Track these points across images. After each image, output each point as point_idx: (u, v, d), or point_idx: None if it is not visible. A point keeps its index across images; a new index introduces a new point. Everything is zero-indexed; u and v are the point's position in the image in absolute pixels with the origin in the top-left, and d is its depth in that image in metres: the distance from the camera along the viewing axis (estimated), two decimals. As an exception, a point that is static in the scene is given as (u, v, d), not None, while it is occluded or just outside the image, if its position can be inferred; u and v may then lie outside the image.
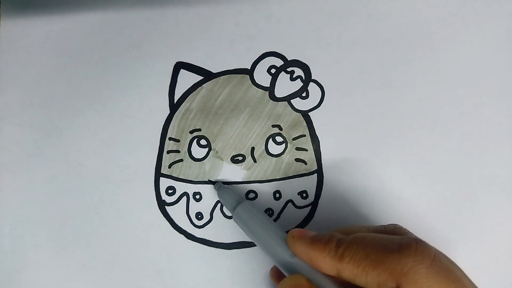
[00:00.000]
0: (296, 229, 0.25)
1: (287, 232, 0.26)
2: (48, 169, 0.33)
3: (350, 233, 0.23)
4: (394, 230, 0.25)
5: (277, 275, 0.29)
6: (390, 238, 0.22)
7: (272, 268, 0.30)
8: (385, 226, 0.26)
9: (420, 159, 0.32)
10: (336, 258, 0.22)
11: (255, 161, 0.32)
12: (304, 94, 0.33)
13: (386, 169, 0.32)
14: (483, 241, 0.31)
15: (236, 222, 0.29)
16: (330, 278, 0.23)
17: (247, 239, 0.32)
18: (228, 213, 0.32)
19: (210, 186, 0.32)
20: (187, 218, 0.32)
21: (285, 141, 0.32)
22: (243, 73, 0.33)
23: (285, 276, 0.25)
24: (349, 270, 0.21)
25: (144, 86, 0.33)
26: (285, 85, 0.33)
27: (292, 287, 0.23)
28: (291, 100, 0.33)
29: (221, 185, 0.31)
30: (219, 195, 0.31)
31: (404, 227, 0.26)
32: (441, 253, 0.21)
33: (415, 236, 0.24)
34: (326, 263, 0.22)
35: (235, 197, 0.30)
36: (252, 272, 0.32)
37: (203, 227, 0.32)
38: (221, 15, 0.33)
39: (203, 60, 0.33)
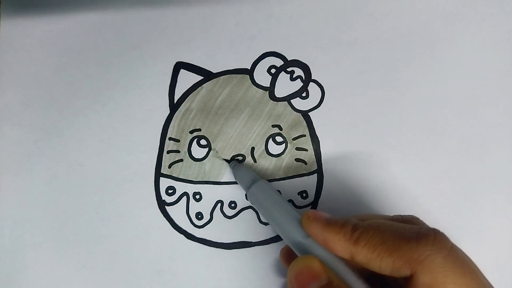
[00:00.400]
0: (311, 210, 0.25)
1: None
2: (48, 169, 0.33)
3: (365, 220, 0.23)
4: (411, 220, 0.25)
5: (287, 256, 0.29)
6: (408, 226, 0.22)
7: (282, 249, 0.30)
8: (402, 216, 0.26)
9: (420, 159, 0.32)
10: (351, 241, 0.22)
11: (255, 161, 0.32)
12: (304, 94, 0.33)
13: (386, 169, 0.32)
14: (483, 241, 0.31)
15: (250, 201, 0.29)
16: (343, 260, 0.23)
17: (247, 239, 0.32)
18: (229, 213, 0.32)
19: (210, 186, 0.32)
20: (187, 218, 0.32)
21: (285, 141, 0.32)
22: (243, 73, 0.33)
23: (296, 257, 0.25)
24: (363, 254, 0.22)
25: (144, 86, 0.33)
26: (285, 85, 0.33)
27: (304, 267, 0.23)
28: (291, 100, 0.33)
29: (236, 164, 0.31)
30: (234, 174, 0.31)
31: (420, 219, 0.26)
32: (457, 246, 0.21)
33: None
34: (341, 245, 0.22)
35: (250, 176, 0.30)
36: (252, 272, 0.32)
37: (203, 227, 0.32)
38: (221, 15, 0.33)
39: (203, 60, 0.33)
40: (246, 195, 0.31)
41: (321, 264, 0.23)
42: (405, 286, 0.21)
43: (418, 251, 0.20)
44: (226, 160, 0.32)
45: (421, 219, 0.25)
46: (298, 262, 0.23)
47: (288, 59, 0.33)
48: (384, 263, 0.21)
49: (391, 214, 0.26)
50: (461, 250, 0.21)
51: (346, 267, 0.23)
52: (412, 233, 0.21)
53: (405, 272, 0.20)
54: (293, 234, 0.25)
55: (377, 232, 0.22)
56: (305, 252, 0.24)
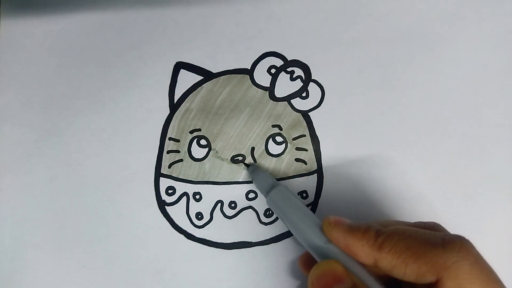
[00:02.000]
0: (332, 215, 0.25)
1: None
2: (48, 169, 0.33)
3: (386, 226, 0.23)
4: (434, 227, 0.25)
5: (307, 262, 0.29)
6: (433, 233, 0.22)
7: (301, 256, 0.29)
8: (424, 222, 0.26)
9: (420, 159, 0.32)
10: (375, 247, 0.22)
11: (255, 161, 0.32)
12: (304, 94, 0.33)
13: (386, 169, 0.32)
14: (483, 241, 0.31)
15: (270, 206, 0.29)
16: (364, 267, 0.23)
17: (247, 239, 0.32)
18: (229, 213, 0.32)
19: (210, 186, 0.32)
20: (187, 218, 0.32)
21: (285, 141, 0.32)
22: (243, 73, 0.33)
23: (314, 263, 0.25)
24: (387, 261, 0.21)
25: (144, 86, 0.33)
26: (285, 85, 0.33)
27: (327, 270, 0.23)
28: (291, 100, 0.33)
29: (256, 168, 0.31)
30: (253, 178, 0.31)
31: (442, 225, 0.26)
32: (481, 254, 0.21)
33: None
34: (364, 251, 0.22)
35: (270, 181, 0.30)
36: (252, 272, 0.32)
37: (203, 227, 0.32)
38: (221, 15, 0.33)
39: (203, 60, 0.33)
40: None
41: (344, 268, 0.22)
42: None
43: (444, 257, 0.20)
44: (245, 164, 0.32)
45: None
46: (320, 266, 0.23)
47: (288, 59, 0.33)
48: (409, 269, 0.21)
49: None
50: (484, 259, 0.21)
51: (367, 273, 0.23)
52: (438, 239, 0.21)
53: (430, 278, 0.20)
54: (314, 240, 0.25)
55: (401, 238, 0.22)
56: (326, 257, 0.24)
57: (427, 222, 0.26)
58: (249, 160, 0.32)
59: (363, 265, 0.23)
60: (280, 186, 0.29)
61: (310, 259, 0.27)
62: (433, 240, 0.21)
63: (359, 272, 0.23)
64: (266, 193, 0.29)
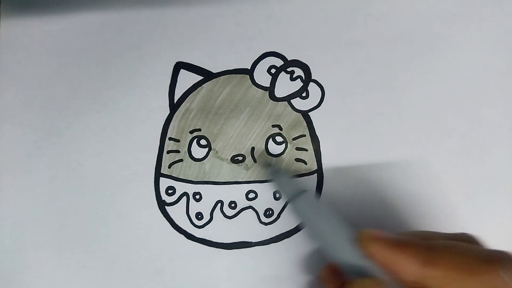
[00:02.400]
0: (369, 229, 0.24)
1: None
2: (48, 169, 0.33)
3: (425, 238, 0.23)
4: (473, 240, 0.24)
5: (330, 276, 0.27)
6: (485, 249, 0.22)
7: (325, 267, 0.28)
8: (461, 234, 0.25)
9: (420, 159, 0.32)
10: (424, 263, 0.21)
11: (255, 161, 0.32)
12: (304, 94, 0.33)
13: (386, 169, 0.32)
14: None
15: (294, 213, 0.27)
16: (401, 284, 0.22)
17: (247, 239, 0.32)
18: (229, 213, 0.32)
19: (210, 186, 0.32)
20: (187, 218, 0.32)
21: (285, 141, 0.32)
22: (243, 73, 0.33)
23: (341, 277, 0.24)
24: (438, 278, 0.21)
25: (144, 86, 0.33)
26: (285, 85, 0.33)
27: None
28: (291, 100, 0.33)
29: (278, 171, 0.30)
30: (274, 182, 0.30)
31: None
32: None
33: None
34: (411, 268, 0.21)
35: (294, 187, 0.28)
36: (252, 272, 0.32)
37: (203, 227, 0.32)
38: (221, 15, 0.33)
39: (203, 60, 0.33)
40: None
41: (385, 287, 0.21)
42: None
43: (499, 275, 0.20)
44: (266, 164, 0.31)
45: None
46: (359, 285, 0.22)
47: (288, 59, 0.33)
48: (461, 286, 0.20)
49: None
50: None
51: None
52: (490, 256, 0.21)
53: None
54: (346, 254, 0.23)
55: (454, 254, 0.21)
56: (361, 273, 0.23)
57: (464, 234, 0.25)
58: (249, 160, 0.32)
59: (402, 283, 0.22)
60: (306, 194, 0.27)
61: (335, 272, 0.26)
62: (485, 256, 0.21)
63: None
64: (290, 200, 0.28)
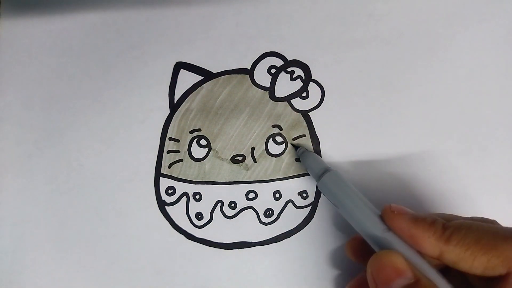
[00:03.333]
0: (393, 204, 0.25)
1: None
2: (48, 169, 0.33)
3: (446, 219, 0.23)
4: (494, 222, 0.25)
5: (356, 248, 0.28)
6: (501, 227, 0.22)
7: (349, 242, 0.29)
8: (482, 218, 0.25)
9: (420, 159, 0.32)
10: (442, 239, 0.22)
11: (255, 161, 0.32)
12: (304, 94, 0.33)
13: (386, 169, 0.32)
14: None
15: (322, 191, 0.28)
16: (425, 258, 0.23)
17: (247, 239, 0.32)
18: (229, 213, 0.32)
19: (210, 186, 0.32)
20: (187, 218, 0.32)
21: (285, 141, 0.32)
22: (243, 73, 0.33)
23: (368, 250, 0.24)
24: (454, 253, 0.21)
25: (144, 86, 0.33)
26: (285, 85, 0.33)
27: (388, 263, 0.22)
28: (291, 100, 0.33)
29: (305, 151, 0.31)
30: (303, 161, 0.31)
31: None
32: None
33: None
34: (430, 243, 0.22)
35: (322, 165, 0.29)
36: (252, 272, 0.32)
37: (203, 227, 0.32)
38: (221, 15, 0.33)
39: (203, 60, 0.33)
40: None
41: (406, 260, 0.22)
42: (494, 286, 0.21)
43: None
44: (294, 146, 0.32)
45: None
46: (380, 257, 0.23)
47: (288, 59, 0.33)
48: (477, 262, 0.21)
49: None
50: None
51: (429, 266, 0.22)
52: (508, 232, 0.21)
53: (499, 271, 0.20)
54: (371, 227, 0.24)
55: (469, 231, 0.22)
56: (384, 246, 0.23)
57: (485, 218, 0.25)
58: (249, 160, 0.32)
59: (424, 256, 0.23)
60: (333, 171, 0.28)
61: (361, 245, 0.27)
62: (502, 233, 0.21)
63: (421, 265, 0.22)
64: (318, 178, 0.28)
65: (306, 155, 0.31)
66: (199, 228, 0.32)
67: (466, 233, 0.22)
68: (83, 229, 0.32)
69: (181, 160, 0.33)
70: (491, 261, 0.21)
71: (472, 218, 0.25)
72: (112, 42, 0.33)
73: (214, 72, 0.33)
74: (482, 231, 0.22)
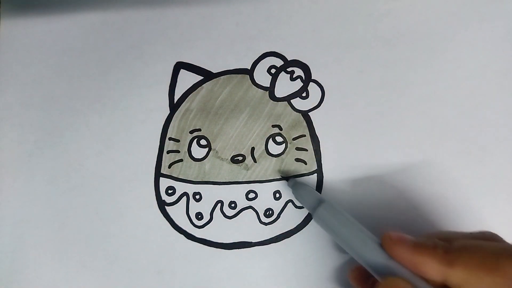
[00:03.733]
0: (392, 232, 0.25)
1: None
2: (48, 169, 0.33)
3: (447, 239, 0.23)
4: (494, 238, 0.25)
5: (360, 277, 0.28)
6: (502, 245, 0.23)
7: (353, 270, 0.29)
8: (482, 232, 0.26)
9: (420, 159, 0.32)
10: (445, 264, 0.22)
11: (255, 161, 0.32)
12: (304, 94, 0.33)
13: (386, 169, 0.32)
14: (483, 241, 0.31)
15: (318, 223, 0.28)
16: (428, 282, 0.23)
17: (247, 239, 0.32)
18: (229, 213, 0.32)
19: (210, 186, 0.32)
20: (187, 218, 0.32)
21: (285, 141, 0.32)
22: (243, 73, 0.33)
23: (371, 278, 0.24)
24: (459, 277, 0.22)
25: (144, 86, 0.33)
26: (285, 85, 0.33)
27: None
28: (291, 100, 0.33)
29: (297, 182, 0.30)
30: (294, 193, 0.30)
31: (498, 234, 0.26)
32: None
33: None
34: (433, 268, 0.22)
35: (316, 197, 0.29)
36: (252, 272, 0.32)
37: (203, 227, 0.32)
38: (221, 15, 0.33)
39: (203, 60, 0.33)
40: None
41: (412, 286, 0.22)
42: None
43: None
44: (284, 178, 0.32)
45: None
46: (388, 284, 0.23)
47: (288, 59, 0.33)
48: (482, 284, 0.21)
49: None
50: None
51: None
52: (508, 251, 0.21)
53: None
54: (372, 256, 0.24)
55: (472, 253, 0.22)
56: (387, 274, 0.24)
57: (484, 232, 0.25)
58: (249, 160, 0.32)
59: (428, 282, 0.23)
60: (327, 203, 0.28)
61: (365, 273, 0.27)
62: (505, 253, 0.21)
63: None
64: (313, 210, 0.28)
65: (297, 187, 0.30)
66: (199, 228, 0.32)
67: (470, 256, 0.22)
68: (83, 229, 0.32)
69: (181, 160, 0.33)
70: (497, 281, 0.21)
71: (472, 235, 0.25)
72: (112, 42, 0.33)
73: (214, 72, 0.33)
74: (485, 252, 0.22)
